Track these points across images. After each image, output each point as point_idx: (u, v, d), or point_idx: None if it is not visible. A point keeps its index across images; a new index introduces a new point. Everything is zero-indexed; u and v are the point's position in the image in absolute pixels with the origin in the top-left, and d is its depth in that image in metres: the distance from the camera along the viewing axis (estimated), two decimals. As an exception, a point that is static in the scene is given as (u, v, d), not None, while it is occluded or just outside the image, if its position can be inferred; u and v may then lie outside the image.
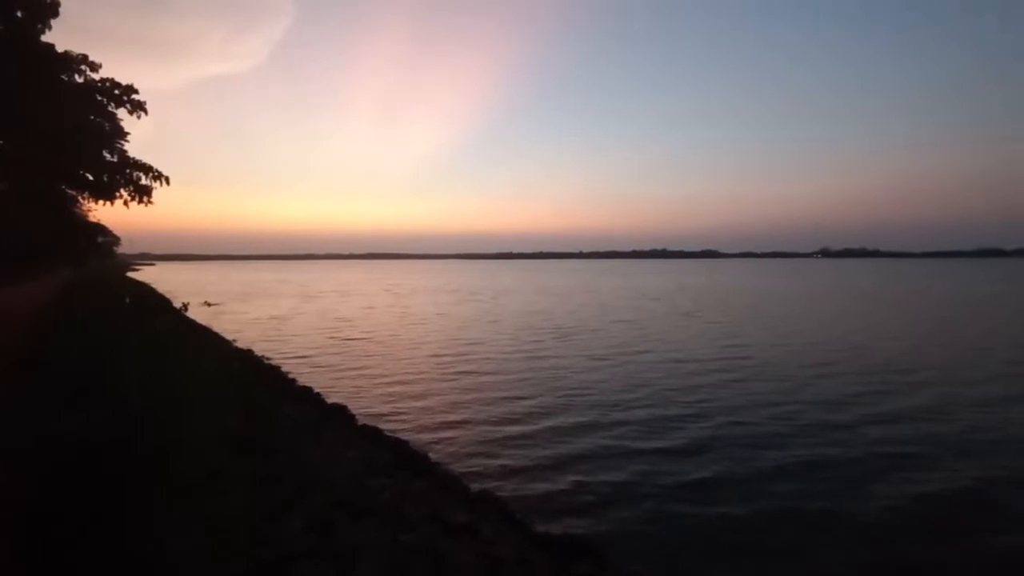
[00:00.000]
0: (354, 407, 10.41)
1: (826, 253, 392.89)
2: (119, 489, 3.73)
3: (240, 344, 18.28)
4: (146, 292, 40.71)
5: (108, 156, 19.45)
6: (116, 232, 71.99)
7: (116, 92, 17.96)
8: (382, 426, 9.21)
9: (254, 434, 6.08)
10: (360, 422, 9.46)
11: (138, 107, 18.08)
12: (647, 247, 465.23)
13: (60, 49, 16.41)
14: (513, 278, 77.02)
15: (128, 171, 18.57)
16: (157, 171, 18.79)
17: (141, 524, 3.47)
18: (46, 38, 15.68)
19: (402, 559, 4.18)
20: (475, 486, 6.79)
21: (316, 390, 11.73)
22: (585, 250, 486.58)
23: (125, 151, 20.15)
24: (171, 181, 18.99)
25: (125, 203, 18.88)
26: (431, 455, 7.91)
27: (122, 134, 20.68)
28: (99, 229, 45.39)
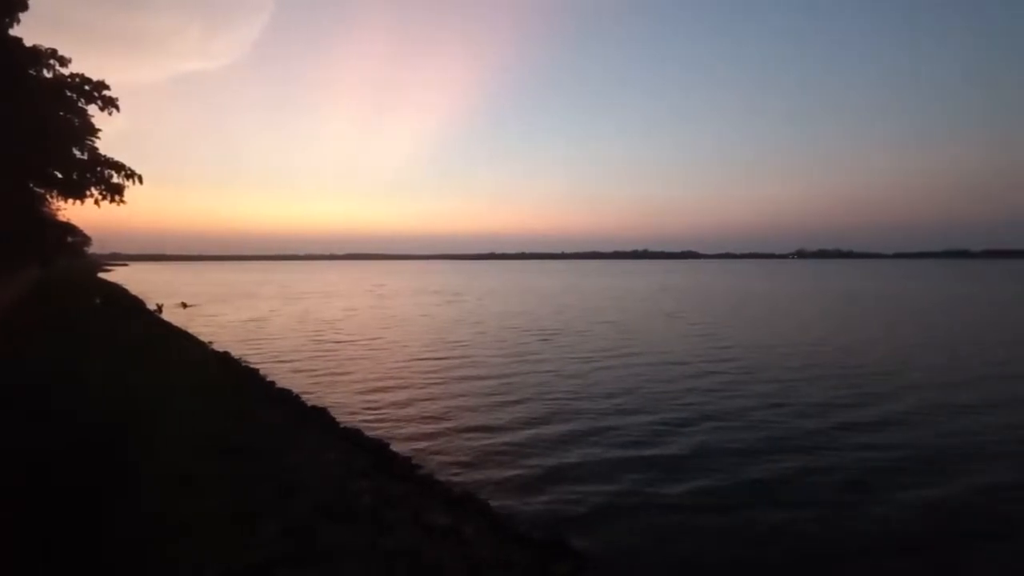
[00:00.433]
0: (335, 410, 10.28)
1: (802, 254, 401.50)
2: (91, 497, 3.63)
3: (217, 347, 17.93)
4: (118, 293, 39.66)
5: (78, 153, 18.87)
6: (87, 232, 70.03)
7: (86, 88, 17.45)
8: (363, 429, 9.12)
9: (230, 438, 5.97)
10: (341, 425, 9.35)
11: (110, 103, 17.59)
12: (629, 248, 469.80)
13: (29, 43, 15.88)
14: (497, 279, 76.96)
15: (99, 169, 18.06)
16: (129, 169, 18.31)
17: (115, 531, 3.38)
18: (15, 32, 15.16)
19: (382, 563, 4.15)
20: (457, 488, 6.76)
21: (295, 393, 11.56)
22: (568, 251, 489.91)
23: (96, 148, 19.56)
24: (145, 180, 18.54)
25: (96, 202, 18.36)
26: (413, 458, 7.85)
27: (93, 131, 20.06)
28: (68, 229, 44.00)
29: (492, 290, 51.38)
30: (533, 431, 9.28)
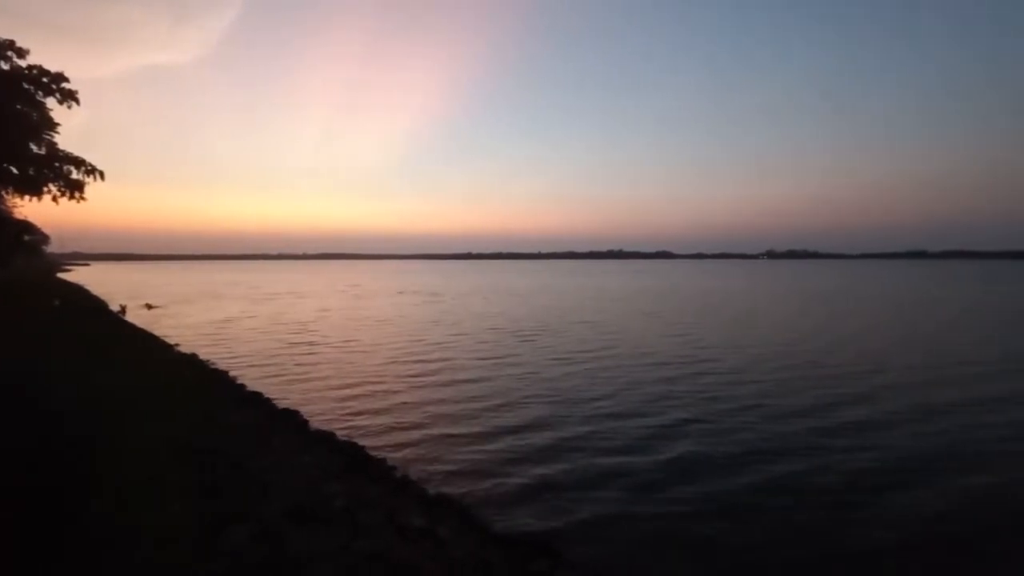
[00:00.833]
0: (307, 413, 10.10)
1: (771, 254, 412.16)
2: (49, 502, 3.48)
3: (184, 349, 17.41)
4: (79, 294, 38.14)
5: (35, 148, 18.10)
6: (45, 230, 67.20)
7: (45, 80, 16.75)
8: (337, 431, 8.98)
9: (197, 441, 5.81)
10: (314, 428, 9.19)
11: (69, 96, 16.93)
12: (604, 248, 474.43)
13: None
14: (473, 279, 76.73)
15: (57, 164, 17.36)
16: (90, 165, 17.66)
17: (75, 538, 3.25)
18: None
19: (356, 566, 4.09)
20: (433, 490, 6.72)
21: (266, 395, 11.31)
22: (544, 250, 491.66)
23: (55, 143, 18.79)
24: (107, 176, 17.89)
25: (54, 198, 17.65)
26: (388, 460, 7.77)
27: (51, 125, 19.24)
28: (25, 227, 42.13)
29: (469, 290, 51.20)
30: (511, 432, 9.28)
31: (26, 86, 16.94)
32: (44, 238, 72.86)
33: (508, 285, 59.92)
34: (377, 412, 10.49)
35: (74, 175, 17.24)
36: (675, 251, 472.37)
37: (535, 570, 4.86)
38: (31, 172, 17.46)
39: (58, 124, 19.05)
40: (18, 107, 17.47)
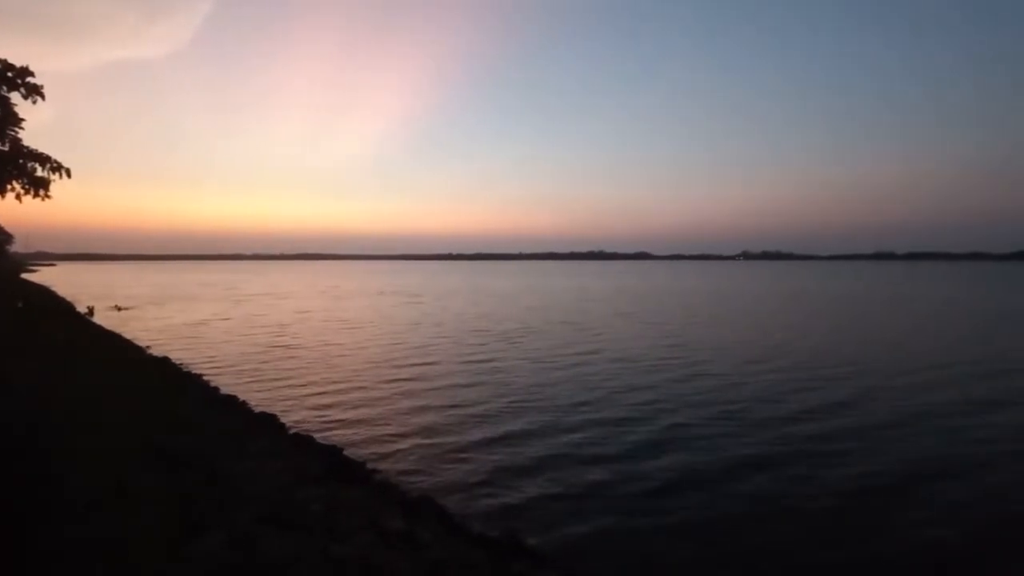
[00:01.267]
0: (286, 417, 9.91)
1: (747, 256, 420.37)
2: (9, 512, 3.32)
3: (155, 351, 16.94)
4: (44, 296, 36.82)
5: (-3, 144, 17.37)
6: (8, 229, 64.64)
7: (8, 74, 16.07)
8: (316, 435, 8.83)
9: (169, 445, 5.64)
10: (292, 431, 9.02)
11: (34, 91, 16.26)
12: (584, 249, 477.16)
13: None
14: (454, 279, 76.41)
15: (21, 161, 16.67)
16: (56, 162, 16.99)
17: (37, 549, 3.10)
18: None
19: (334, 570, 4.02)
20: (414, 492, 6.66)
21: (242, 399, 11.06)
22: (525, 251, 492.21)
23: (19, 139, 18.07)
24: (75, 174, 17.25)
25: (18, 196, 16.91)
26: (368, 463, 7.67)
27: (15, 120, 18.50)
28: (-14, 226, 40.48)
29: (450, 291, 50.98)
30: (492, 434, 9.24)
31: (-13, 79, 16.27)
32: (7, 237, 70.09)
33: (490, 286, 59.86)
34: (357, 415, 10.35)
35: (39, 172, 16.58)
36: (655, 252, 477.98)
37: (517, 570, 4.84)
38: (-8, 169, 16.76)
39: (23, 120, 18.33)
40: (-21, 101, 16.77)
